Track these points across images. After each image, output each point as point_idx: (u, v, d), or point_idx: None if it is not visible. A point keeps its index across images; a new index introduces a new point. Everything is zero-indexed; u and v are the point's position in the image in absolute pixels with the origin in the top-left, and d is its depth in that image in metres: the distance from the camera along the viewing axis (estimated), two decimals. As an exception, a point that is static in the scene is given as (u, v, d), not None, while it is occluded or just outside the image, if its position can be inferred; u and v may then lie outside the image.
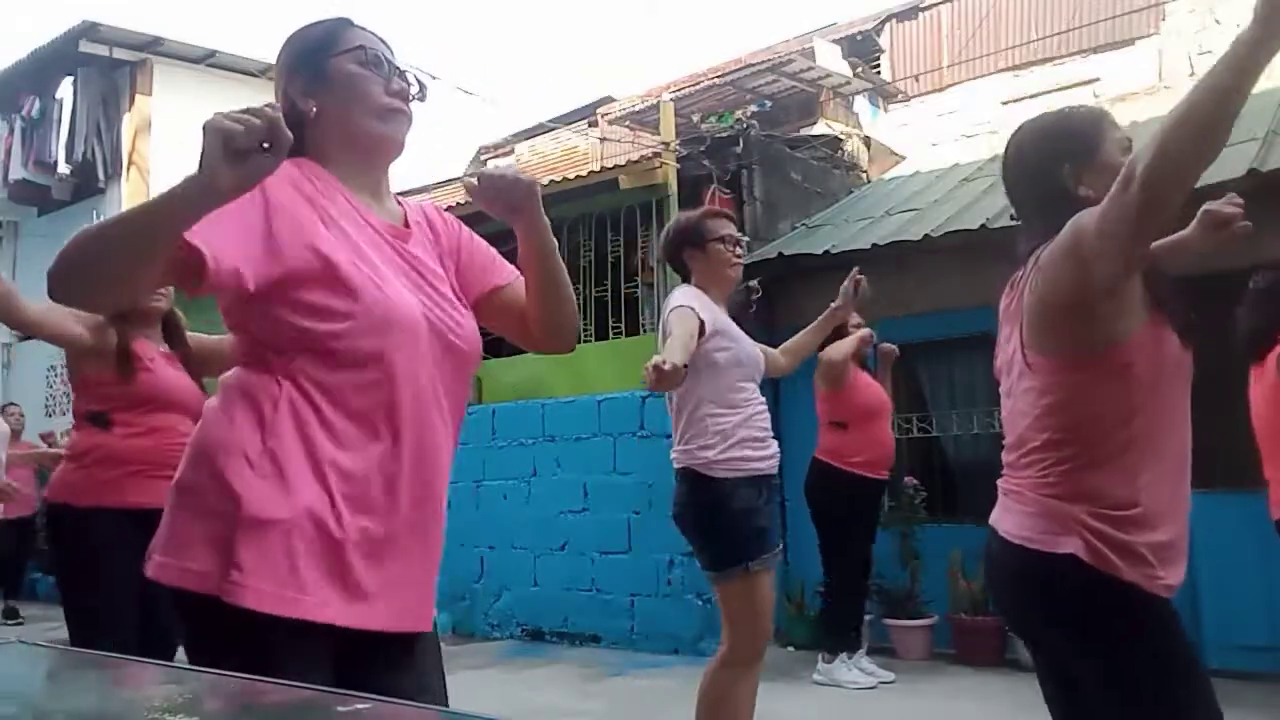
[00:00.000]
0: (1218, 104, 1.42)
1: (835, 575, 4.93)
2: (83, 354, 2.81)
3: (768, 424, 2.96)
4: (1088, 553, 1.62)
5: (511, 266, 1.63)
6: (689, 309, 2.82)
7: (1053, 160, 1.77)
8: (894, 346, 5.11)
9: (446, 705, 1.46)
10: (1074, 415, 1.67)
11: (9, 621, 7.73)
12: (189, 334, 3.05)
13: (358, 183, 1.45)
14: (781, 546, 2.94)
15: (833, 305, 3.30)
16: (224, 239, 1.24)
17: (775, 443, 2.98)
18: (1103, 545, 1.61)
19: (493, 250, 1.65)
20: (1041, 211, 1.78)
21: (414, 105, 1.48)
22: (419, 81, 1.50)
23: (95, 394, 2.81)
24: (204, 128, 1.11)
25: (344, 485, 1.32)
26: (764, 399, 3.00)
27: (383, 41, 1.49)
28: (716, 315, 2.91)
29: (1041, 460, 1.70)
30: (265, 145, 1.13)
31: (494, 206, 1.49)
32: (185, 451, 1.37)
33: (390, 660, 1.40)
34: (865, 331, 4.71)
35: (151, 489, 2.69)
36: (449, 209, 1.80)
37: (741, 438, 2.85)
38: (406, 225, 1.50)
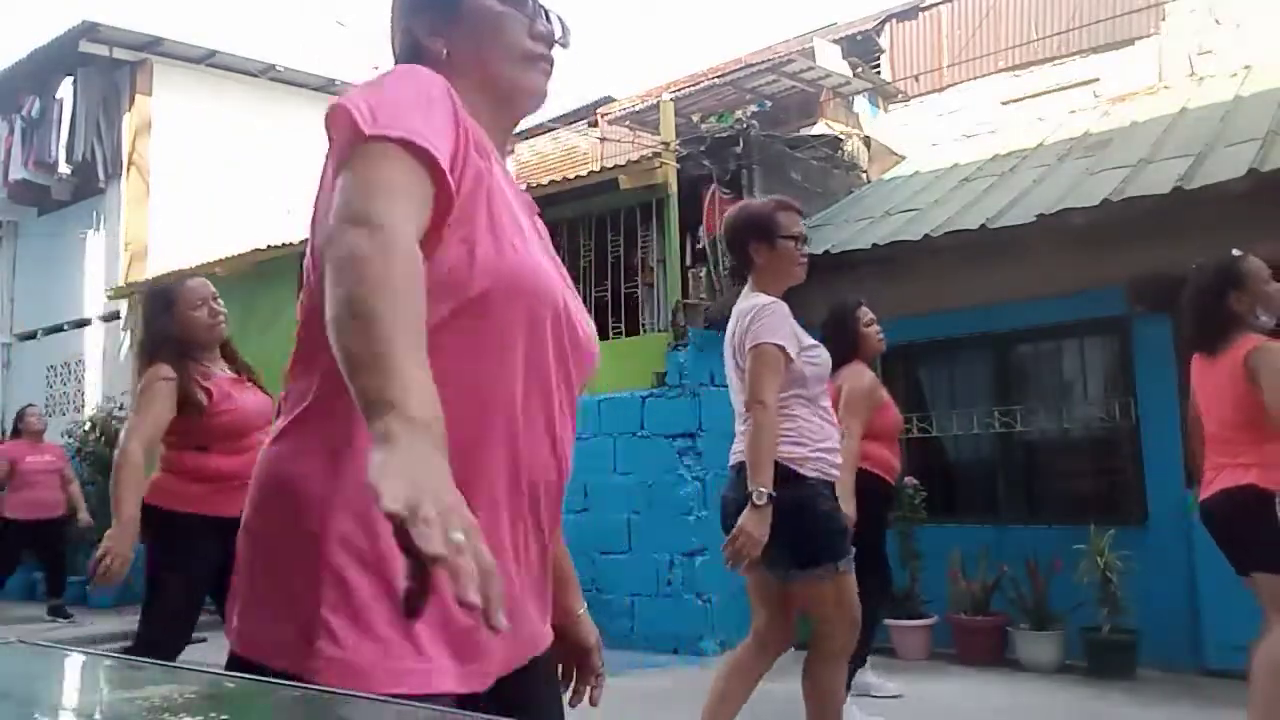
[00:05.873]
0: None
1: None
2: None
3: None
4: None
5: None
6: (776, 349, 2.76)
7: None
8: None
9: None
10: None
11: (59, 619, 7.71)
12: None
13: (492, 138, 1.20)
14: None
15: None
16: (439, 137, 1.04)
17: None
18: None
19: None
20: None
21: (557, 52, 1.28)
22: (563, 23, 1.28)
23: (193, 435, 3.04)
24: None
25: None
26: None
27: None
28: (796, 329, 2.88)
29: None
30: None
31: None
32: (249, 493, 1.13)
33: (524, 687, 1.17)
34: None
35: (236, 501, 2.89)
36: None
37: (828, 446, 2.87)
38: None
